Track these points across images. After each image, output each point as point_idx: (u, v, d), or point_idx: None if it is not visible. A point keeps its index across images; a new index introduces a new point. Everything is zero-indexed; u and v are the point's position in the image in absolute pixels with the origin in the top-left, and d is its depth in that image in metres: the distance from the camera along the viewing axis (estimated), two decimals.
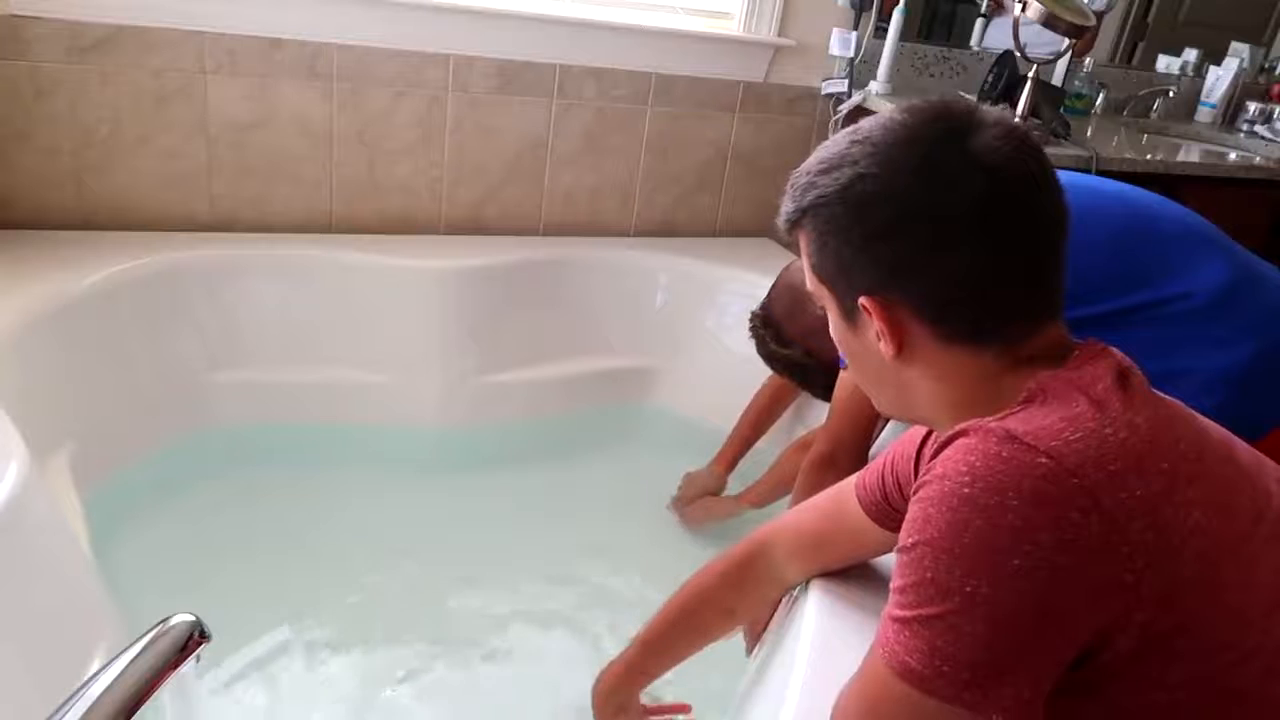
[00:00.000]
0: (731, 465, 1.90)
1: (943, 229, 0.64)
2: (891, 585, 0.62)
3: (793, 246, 0.78)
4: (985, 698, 0.57)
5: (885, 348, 0.68)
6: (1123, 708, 0.61)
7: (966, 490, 0.58)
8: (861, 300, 0.67)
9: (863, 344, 0.71)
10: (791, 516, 1.03)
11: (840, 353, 0.77)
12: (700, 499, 1.88)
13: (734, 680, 1.15)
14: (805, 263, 0.73)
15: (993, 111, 0.67)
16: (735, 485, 1.88)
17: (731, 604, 1.05)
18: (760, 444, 1.92)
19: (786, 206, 0.72)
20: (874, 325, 0.68)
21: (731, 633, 1.10)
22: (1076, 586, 0.56)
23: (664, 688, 1.23)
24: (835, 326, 0.74)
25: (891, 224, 0.65)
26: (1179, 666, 0.60)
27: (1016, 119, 2.07)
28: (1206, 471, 0.62)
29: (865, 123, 0.69)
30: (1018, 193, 0.65)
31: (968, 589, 0.57)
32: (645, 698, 1.14)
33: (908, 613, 0.59)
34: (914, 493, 0.63)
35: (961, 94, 1.83)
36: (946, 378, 0.68)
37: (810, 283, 0.74)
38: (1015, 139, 0.65)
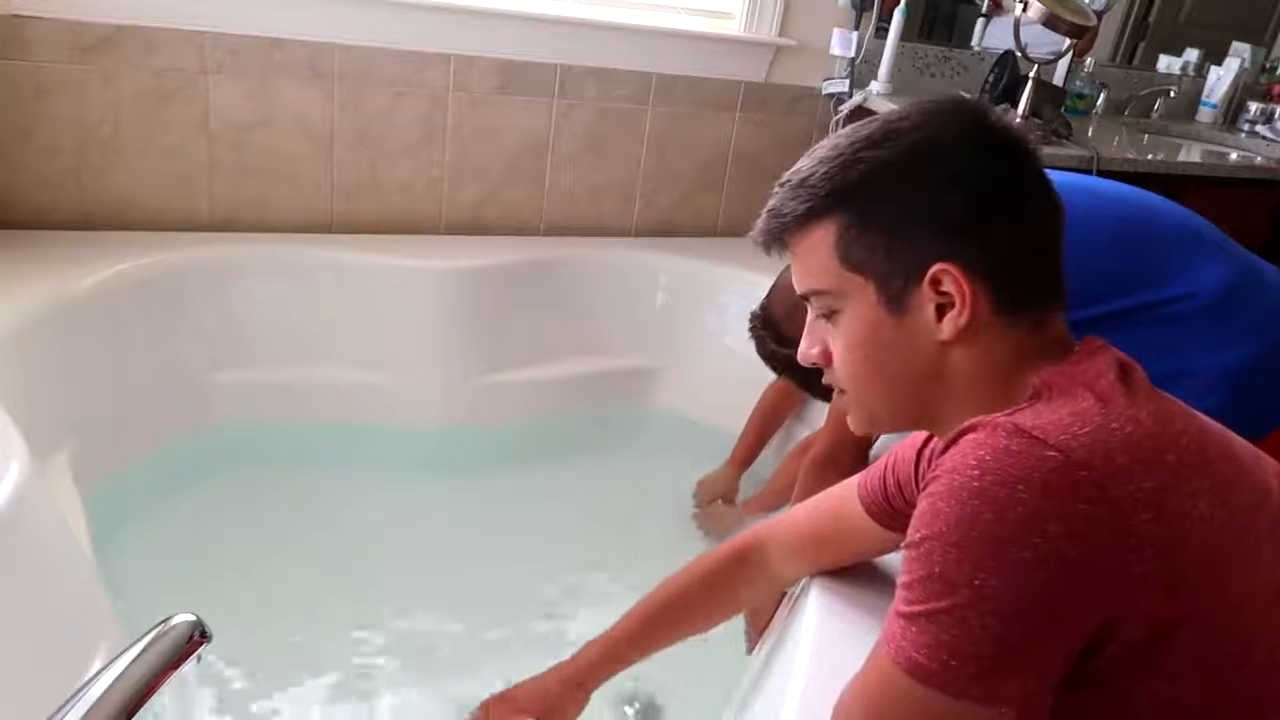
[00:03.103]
0: (744, 466, 1.90)
1: (1003, 189, 0.67)
2: (899, 581, 0.62)
3: (782, 253, 0.74)
4: (993, 691, 0.57)
5: (953, 321, 0.66)
6: (1128, 699, 0.61)
7: (975, 484, 0.58)
8: (937, 268, 0.66)
9: (906, 333, 0.68)
10: (791, 515, 1.03)
11: (848, 362, 0.72)
12: (712, 505, 1.88)
13: (734, 681, 1.15)
14: (821, 261, 0.70)
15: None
16: (750, 485, 1.88)
17: (716, 602, 1.06)
18: (775, 444, 1.92)
19: (807, 196, 0.69)
20: (932, 302, 0.66)
21: (717, 625, 1.10)
22: (1085, 579, 0.56)
23: (663, 686, 1.23)
24: (864, 324, 0.70)
25: (952, 188, 0.66)
26: (1183, 658, 0.60)
27: (1018, 119, 2.07)
28: (1209, 464, 0.62)
29: (892, 109, 0.71)
30: (1037, 174, 0.69)
31: (976, 582, 0.57)
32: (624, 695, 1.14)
33: (915, 608, 0.59)
34: (922, 489, 0.63)
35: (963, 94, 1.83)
36: (979, 362, 0.68)
37: (830, 281, 0.70)
38: (1024, 129, 0.68)
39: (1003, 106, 2.07)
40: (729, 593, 1.05)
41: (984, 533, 0.57)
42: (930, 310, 0.67)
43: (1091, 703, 0.61)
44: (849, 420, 0.77)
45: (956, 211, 0.66)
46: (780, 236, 0.72)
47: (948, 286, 0.66)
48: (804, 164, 0.71)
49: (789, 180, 0.72)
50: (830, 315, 0.72)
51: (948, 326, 0.67)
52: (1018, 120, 2.04)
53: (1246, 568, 0.62)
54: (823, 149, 0.71)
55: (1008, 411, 0.62)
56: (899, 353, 0.69)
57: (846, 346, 0.72)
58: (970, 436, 0.61)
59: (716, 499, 1.88)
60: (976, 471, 0.58)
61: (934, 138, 0.67)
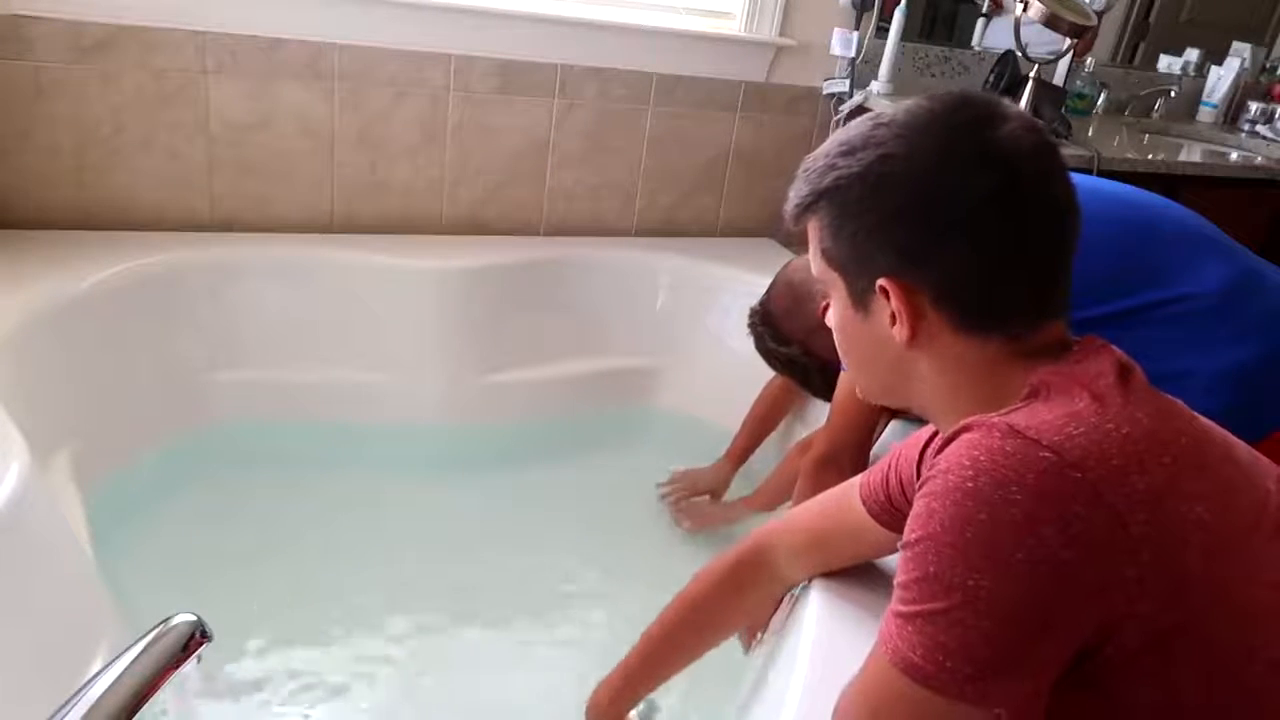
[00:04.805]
0: (739, 461, 1.89)
1: (959, 216, 0.65)
2: (895, 581, 0.62)
3: (796, 237, 0.77)
4: (988, 692, 0.58)
5: (900, 332, 0.68)
6: (1128, 703, 0.61)
7: (970, 485, 0.58)
8: (881, 281, 0.68)
9: (871, 331, 0.71)
10: (793, 516, 1.03)
11: (838, 342, 0.77)
12: (700, 501, 1.87)
13: (733, 681, 1.15)
14: (814, 249, 0.73)
15: (1013, 106, 0.68)
16: (743, 484, 1.87)
17: (733, 609, 1.05)
18: (775, 441, 1.91)
19: (800, 190, 0.72)
20: (888, 309, 0.68)
21: (733, 633, 1.10)
22: (1080, 581, 0.56)
23: (663, 687, 1.23)
24: (840, 314, 0.74)
25: (912, 207, 0.66)
26: (1184, 662, 0.60)
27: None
28: (1208, 467, 0.62)
29: (890, 108, 0.71)
30: (1032, 188, 0.66)
31: (970, 583, 0.57)
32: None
33: (911, 608, 0.60)
34: (918, 489, 0.63)
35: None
36: (952, 369, 0.69)
37: (818, 269, 0.74)
38: (1034, 134, 0.67)
39: None
40: (744, 602, 1.04)
41: (978, 534, 0.57)
42: (887, 316, 0.69)
43: (1090, 705, 0.61)
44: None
45: (903, 239, 0.67)
46: (793, 218, 0.75)
47: (892, 300, 0.68)
48: (815, 152, 0.73)
49: (802, 167, 0.73)
50: (827, 298, 0.76)
51: (898, 335, 0.69)
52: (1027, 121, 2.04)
53: (1248, 572, 0.61)
54: (834, 139, 0.72)
55: (1003, 411, 0.62)
56: (868, 347, 0.73)
57: (835, 329, 0.76)
58: (965, 436, 0.61)
59: (705, 494, 1.88)
60: (970, 472, 0.58)
61: (902, 156, 0.66)
